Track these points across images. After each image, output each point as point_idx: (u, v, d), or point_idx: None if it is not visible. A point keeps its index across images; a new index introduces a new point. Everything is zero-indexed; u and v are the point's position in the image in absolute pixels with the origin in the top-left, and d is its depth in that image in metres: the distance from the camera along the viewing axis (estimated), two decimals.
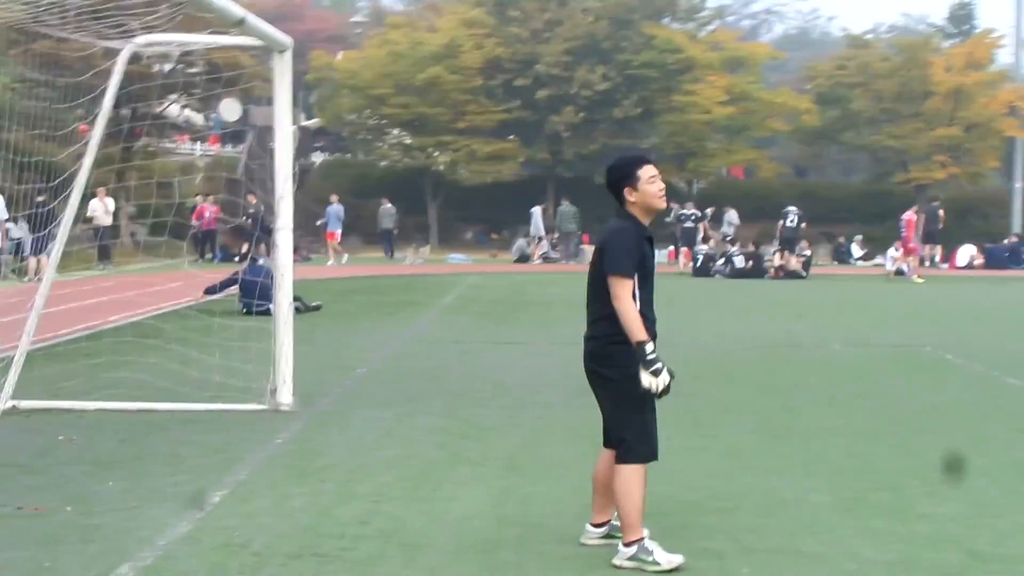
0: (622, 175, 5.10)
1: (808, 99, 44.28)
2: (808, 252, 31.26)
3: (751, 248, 31.16)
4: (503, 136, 43.44)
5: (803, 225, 30.89)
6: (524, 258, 36.63)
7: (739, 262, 30.08)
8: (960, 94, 42.55)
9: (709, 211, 35.51)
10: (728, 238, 34.43)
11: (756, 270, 29.77)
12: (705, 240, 32.54)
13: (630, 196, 5.09)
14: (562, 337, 14.36)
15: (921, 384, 11.24)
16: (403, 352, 13.27)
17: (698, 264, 30.38)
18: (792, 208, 31.15)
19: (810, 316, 18.79)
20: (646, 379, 4.80)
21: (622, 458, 5.09)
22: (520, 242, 37.83)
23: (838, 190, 48.42)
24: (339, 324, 16.26)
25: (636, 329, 4.83)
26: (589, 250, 29.32)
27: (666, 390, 4.85)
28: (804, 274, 29.92)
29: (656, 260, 5.23)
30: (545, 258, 36.63)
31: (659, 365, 4.83)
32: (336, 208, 34.61)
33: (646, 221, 5.12)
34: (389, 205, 37.71)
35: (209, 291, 17.89)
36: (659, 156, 44.24)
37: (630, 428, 5.04)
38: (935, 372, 12.10)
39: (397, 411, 9.27)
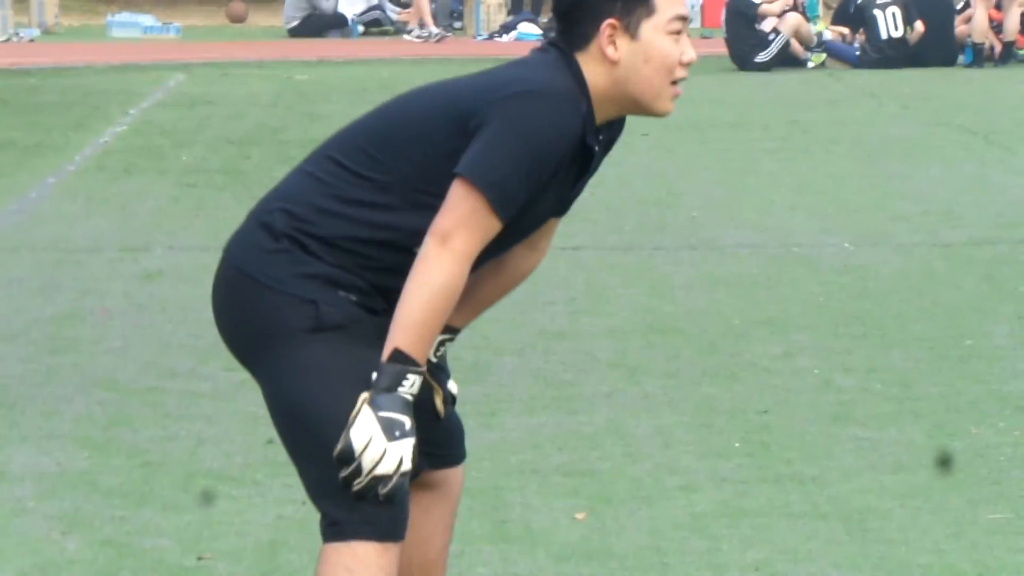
0: None
1: None
2: None
3: None
4: None
5: None
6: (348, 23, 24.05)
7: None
8: None
9: None
10: None
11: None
12: None
13: (608, 46, 3.52)
14: None
15: None
16: None
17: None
18: None
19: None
20: (360, 434, 3.52)
21: (326, 534, 3.71)
22: None
23: None
24: None
25: (417, 326, 3.49)
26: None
27: (396, 482, 3.52)
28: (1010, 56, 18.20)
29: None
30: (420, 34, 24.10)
31: (403, 420, 3.49)
32: None
33: (607, 114, 3.57)
34: None
35: None
36: None
37: (313, 462, 3.61)
38: None
39: None
